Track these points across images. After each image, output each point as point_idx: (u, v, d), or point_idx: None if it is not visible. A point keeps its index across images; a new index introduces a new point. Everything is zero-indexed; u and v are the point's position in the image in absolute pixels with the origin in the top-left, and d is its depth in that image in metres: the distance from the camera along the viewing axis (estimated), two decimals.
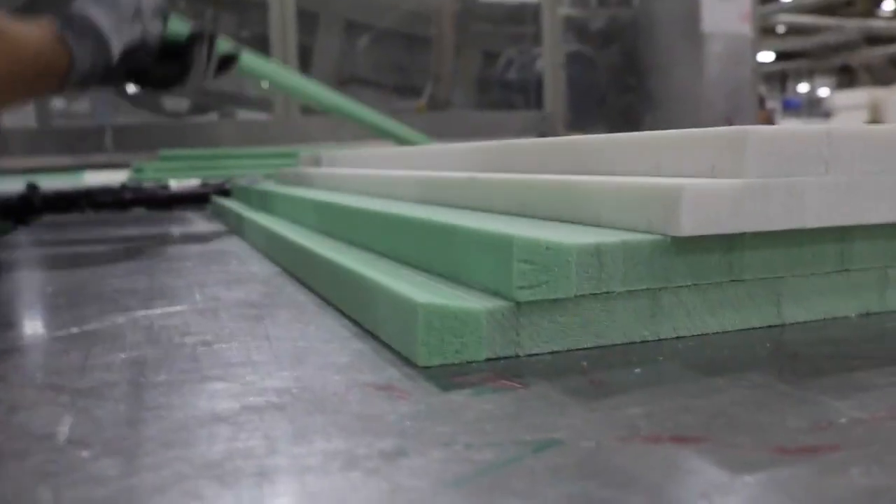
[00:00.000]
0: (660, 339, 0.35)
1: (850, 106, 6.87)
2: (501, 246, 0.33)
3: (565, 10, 2.83)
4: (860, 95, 7.09)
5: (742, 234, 0.36)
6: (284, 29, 2.34)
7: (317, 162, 0.98)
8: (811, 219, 0.36)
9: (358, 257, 0.47)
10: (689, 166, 0.38)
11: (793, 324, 0.38)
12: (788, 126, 0.37)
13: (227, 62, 0.90)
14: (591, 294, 0.34)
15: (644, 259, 0.34)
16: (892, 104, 6.43)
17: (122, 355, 0.37)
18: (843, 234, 0.39)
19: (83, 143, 2.16)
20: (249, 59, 1.02)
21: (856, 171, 0.37)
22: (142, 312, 0.47)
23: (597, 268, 0.33)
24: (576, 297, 0.33)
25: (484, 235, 0.35)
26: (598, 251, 0.33)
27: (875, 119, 6.48)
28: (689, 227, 0.34)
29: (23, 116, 2.22)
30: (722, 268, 0.36)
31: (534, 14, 2.67)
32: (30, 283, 0.66)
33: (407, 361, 0.33)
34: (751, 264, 0.37)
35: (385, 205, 0.54)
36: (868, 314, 0.40)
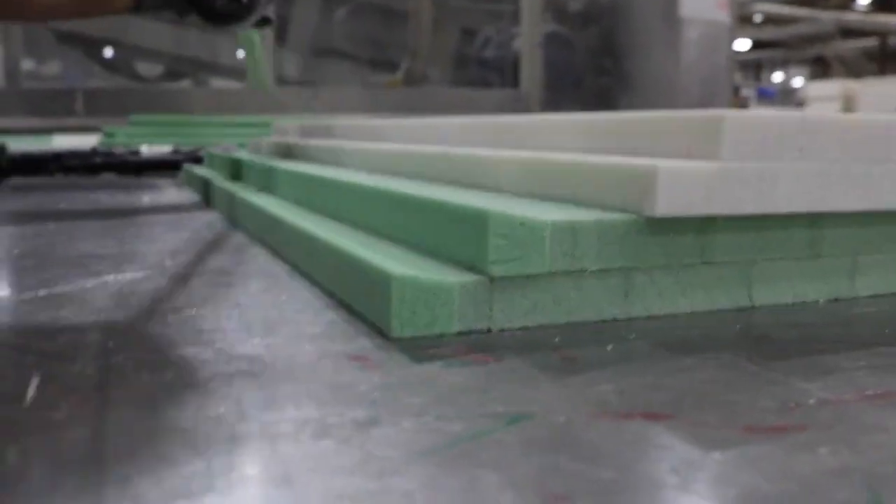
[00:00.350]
0: (631, 318, 0.36)
1: (823, 97, 6.93)
2: (477, 220, 0.33)
3: None
4: (833, 87, 7.15)
5: (715, 217, 0.36)
6: None
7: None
8: (784, 204, 0.37)
9: (333, 228, 0.46)
10: (665, 148, 0.38)
11: (762, 306, 0.38)
12: (764, 112, 0.37)
13: (265, 20, 0.89)
14: (564, 271, 0.34)
15: (618, 238, 0.35)
16: (864, 96, 6.49)
17: (91, 319, 0.37)
18: (814, 220, 0.39)
19: (53, 106, 2.13)
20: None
21: (829, 159, 0.38)
22: (111, 277, 0.46)
23: (571, 245, 0.34)
24: (549, 273, 0.33)
25: (460, 210, 0.35)
26: (572, 228, 0.33)
27: (847, 110, 6.55)
28: (663, 207, 0.34)
29: None
30: (694, 249, 0.36)
31: None
32: None
33: (379, 332, 0.33)
34: (723, 247, 0.37)
35: (361, 178, 0.54)
36: (837, 300, 0.40)
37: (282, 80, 2.37)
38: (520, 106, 2.31)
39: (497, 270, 0.32)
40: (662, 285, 0.36)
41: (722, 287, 0.37)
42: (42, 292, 0.42)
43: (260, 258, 0.52)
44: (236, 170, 0.88)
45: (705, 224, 0.36)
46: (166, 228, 0.68)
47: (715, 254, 0.37)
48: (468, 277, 0.33)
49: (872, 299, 0.41)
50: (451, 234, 0.36)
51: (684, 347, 0.32)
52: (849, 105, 6.50)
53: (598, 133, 0.44)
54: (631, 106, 2.72)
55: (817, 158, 0.37)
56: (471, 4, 3.05)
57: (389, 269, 0.33)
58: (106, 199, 0.98)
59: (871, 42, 11.91)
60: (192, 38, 2.82)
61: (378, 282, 0.33)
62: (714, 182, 0.35)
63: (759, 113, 0.36)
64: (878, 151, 0.39)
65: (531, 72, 2.45)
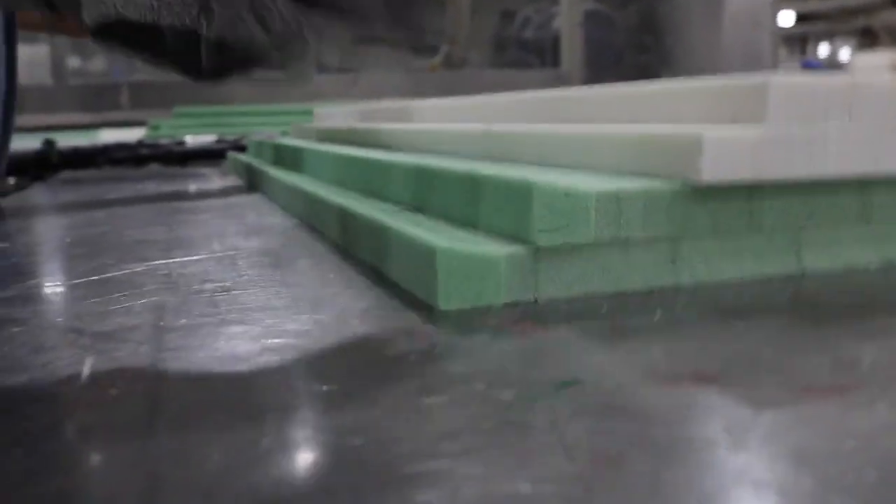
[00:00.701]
0: (679, 287, 0.35)
1: (870, 68, 6.79)
2: (522, 192, 0.33)
3: None
4: (881, 57, 6.99)
5: (762, 184, 0.36)
6: None
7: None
8: (832, 168, 0.36)
9: (377, 206, 0.47)
10: (710, 115, 0.38)
11: (813, 273, 0.38)
12: (811, 76, 0.36)
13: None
14: (610, 240, 0.34)
15: (663, 207, 0.34)
16: None
17: (142, 301, 0.37)
18: (864, 185, 0.38)
19: (100, 101, 2.17)
20: None
21: (878, 122, 0.37)
22: (160, 261, 0.47)
23: (616, 214, 0.33)
24: (595, 243, 0.33)
25: (504, 182, 0.35)
26: (617, 198, 0.33)
27: None
28: (709, 174, 0.34)
29: (39, 73, 2.22)
30: (741, 216, 0.36)
31: None
32: (48, 235, 0.66)
33: (426, 306, 0.33)
34: (771, 213, 0.36)
35: (403, 157, 0.54)
36: (890, 266, 0.39)
37: (321, 68, 2.38)
38: (561, 85, 2.30)
39: (543, 240, 0.32)
40: (709, 253, 0.36)
41: (771, 254, 0.37)
42: (94, 277, 0.43)
43: (306, 239, 0.53)
44: (279, 155, 0.89)
45: (752, 190, 0.36)
46: (212, 214, 0.69)
47: (763, 220, 0.36)
48: (514, 248, 0.33)
49: None
50: (497, 207, 0.36)
51: (733, 313, 0.31)
52: None
53: (642, 102, 0.44)
54: None
55: (866, 121, 0.37)
56: None
57: (434, 242, 0.33)
58: (153, 188, 0.99)
59: None
60: None
61: (423, 255, 0.33)
62: (760, 147, 0.34)
63: (806, 78, 0.36)
64: None
65: (571, 51, 2.44)
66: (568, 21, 2.46)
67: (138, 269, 0.45)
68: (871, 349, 0.26)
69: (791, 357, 0.26)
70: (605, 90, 0.47)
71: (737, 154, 0.34)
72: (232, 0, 0.35)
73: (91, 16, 0.33)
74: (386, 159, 0.52)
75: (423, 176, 0.45)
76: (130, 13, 0.32)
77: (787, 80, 0.35)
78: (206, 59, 0.33)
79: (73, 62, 2.59)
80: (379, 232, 0.40)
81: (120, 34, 0.34)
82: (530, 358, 0.27)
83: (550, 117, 0.53)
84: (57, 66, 2.32)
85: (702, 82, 0.39)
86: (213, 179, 1.09)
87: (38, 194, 1.02)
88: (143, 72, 2.48)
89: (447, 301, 0.32)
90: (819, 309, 0.32)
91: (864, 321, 0.30)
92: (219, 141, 1.39)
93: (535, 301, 0.33)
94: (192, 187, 0.99)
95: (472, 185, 0.38)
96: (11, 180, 1.09)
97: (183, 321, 0.33)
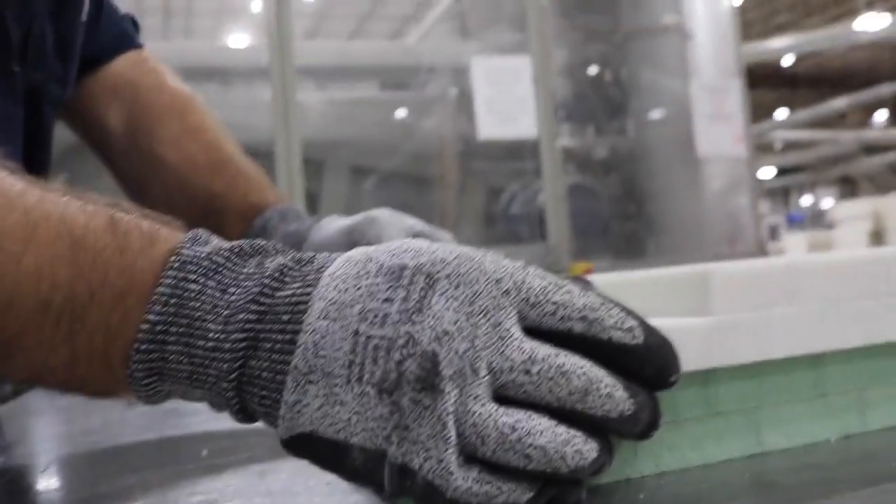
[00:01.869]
0: (644, 476, 0.37)
1: (852, 217, 6.94)
2: None
3: (564, 141, 2.92)
4: (862, 205, 7.16)
5: (716, 369, 0.38)
6: (291, 178, 2.41)
7: None
8: (781, 349, 0.38)
9: None
10: (661, 306, 0.40)
11: (774, 451, 0.39)
12: (749, 262, 0.39)
13: None
14: None
15: None
16: (893, 212, 6.49)
17: None
18: (816, 359, 0.40)
19: None
20: None
21: (819, 300, 0.39)
22: (151, 472, 0.48)
23: None
24: None
25: None
26: None
27: (878, 227, 6.55)
28: None
29: None
30: (699, 402, 0.38)
31: (533, 148, 2.75)
32: (44, 445, 0.67)
33: None
34: (727, 397, 0.38)
35: None
36: (849, 436, 0.41)
37: None
38: (549, 258, 2.35)
39: None
40: (671, 441, 0.37)
41: (731, 436, 0.38)
42: (84, 493, 0.44)
43: None
44: None
45: (707, 376, 0.38)
46: (205, 416, 0.70)
47: (720, 404, 0.38)
48: None
49: (886, 432, 0.41)
50: None
51: (692, 502, 0.33)
52: (879, 222, 6.50)
53: None
54: (658, 248, 2.76)
55: (807, 301, 0.39)
56: (495, 165, 3.14)
57: None
58: None
59: (895, 156, 12.02)
60: None
61: None
62: (708, 336, 0.37)
63: (745, 264, 0.39)
64: (868, 287, 0.41)
65: (558, 224, 2.51)
66: (552, 195, 2.54)
67: (130, 482, 0.46)
68: None
69: None
70: None
71: (687, 344, 0.36)
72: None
73: (286, 430, 0.33)
74: None
75: None
76: (324, 429, 0.32)
77: (726, 269, 0.38)
78: (388, 482, 0.31)
79: None
80: None
81: (309, 449, 0.33)
82: None
83: None
84: None
85: (648, 274, 0.42)
86: None
87: (35, 400, 1.03)
88: None
89: None
90: (776, 489, 0.33)
91: (818, 501, 0.31)
92: None
93: None
94: None
95: None
96: (8, 386, 1.09)
97: None
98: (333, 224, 0.73)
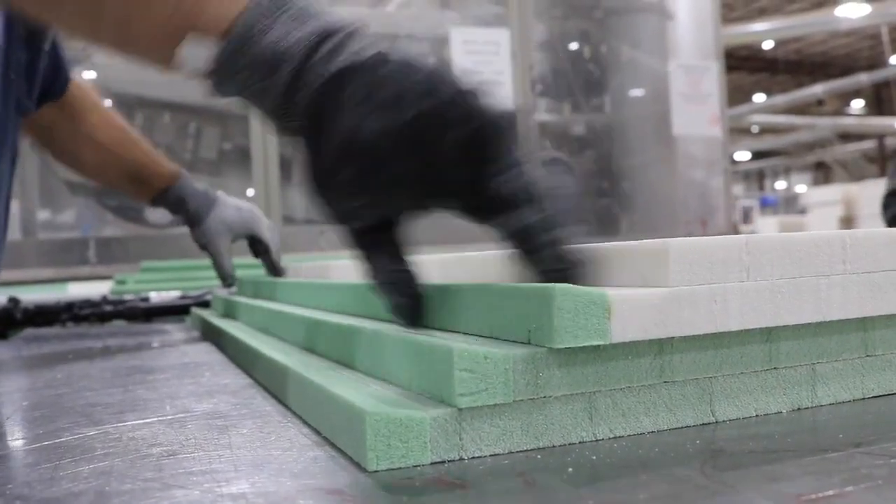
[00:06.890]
0: (598, 440, 0.38)
1: (824, 202, 7.01)
2: (443, 356, 0.36)
3: (541, 116, 2.92)
4: (834, 191, 7.24)
5: (671, 338, 0.39)
6: (265, 141, 2.40)
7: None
8: (735, 322, 0.39)
9: (315, 366, 0.49)
10: (622, 277, 0.41)
11: (726, 421, 0.40)
12: (708, 238, 0.40)
13: None
14: (529, 399, 0.36)
15: (578, 365, 0.37)
16: (863, 199, 6.56)
17: (90, 466, 0.39)
18: (768, 334, 0.41)
19: (68, 256, 2.19)
20: None
21: (775, 276, 0.40)
22: (112, 425, 0.48)
23: (533, 374, 0.36)
24: (515, 402, 0.36)
25: (427, 346, 0.38)
26: (533, 359, 0.36)
27: (849, 213, 6.62)
28: (619, 334, 0.36)
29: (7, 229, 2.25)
30: (654, 370, 0.39)
31: None
32: (7, 397, 0.67)
33: (358, 467, 0.35)
34: (681, 366, 0.39)
35: (335, 317, 0.57)
36: (800, 409, 0.42)
37: (288, 220, 2.43)
38: None
39: (464, 402, 0.35)
40: (625, 407, 0.38)
41: (684, 405, 0.39)
42: (47, 442, 0.45)
43: (256, 400, 0.54)
44: (228, 310, 0.91)
45: (662, 345, 0.39)
46: (170, 374, 0.70)
47: (674, 373, 0.39)
48: (438, 410, 0.35)
49: (836, 406, 0.43)
50: (421, 369, 0.38)
51: (642, 465, 0.34)
52: (849, 208, 6.57)
53: None
54: (632, 225, 2.78)
55: (763, 276, 0.40)
56: None
57: (363, 405, 0.35)
58: (116, 344, 1.01)
59: (869, 144, 12.13)
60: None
61: (353, 418, 0.36)
62: (665, 306, 0.37)
63: (704, 239, 0.39)
64: (823, 265, 0.42)
65: None
66: None
67: (91, 433, 0.46)
68: (759, 496, 0.29)
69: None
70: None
71: (644, 313, 0.37)
72: None
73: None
74: (304, 315, 0.55)
75: (354, 338, 0.48)
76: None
77: (685, 243, 0.39)
78: None
79: (44, 215, 2.62)
80: (315, 393, 0.42)
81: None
82: None
83: (466, 275, 0.56)
84: (26, 221, 2.35)
85: (613, 246, 0.42)
86: (175, 336, 1.11)
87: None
88: (112, 226, 2.52)
89: (376, 461, 0.34)
90: (723, 457, 0.34)
91: (761, 467, 0.32)
92: (183, 297, 1.41)
93: (461, 459, 0.35)
94: (153, 345, 1.01)
95: (398, 348, 0.41)
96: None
97: (128, 486, 0.35)
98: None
